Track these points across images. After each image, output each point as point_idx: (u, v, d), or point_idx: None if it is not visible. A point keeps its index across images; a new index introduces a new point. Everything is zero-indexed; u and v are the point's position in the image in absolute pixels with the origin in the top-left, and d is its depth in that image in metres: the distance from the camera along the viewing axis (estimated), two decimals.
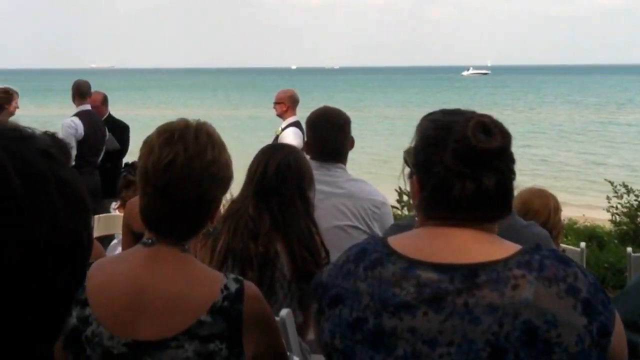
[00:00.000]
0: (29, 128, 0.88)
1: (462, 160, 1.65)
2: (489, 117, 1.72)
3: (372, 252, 1.72)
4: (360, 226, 3.64)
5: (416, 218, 1.82)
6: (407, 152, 1.89)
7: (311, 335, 3.07)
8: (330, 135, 3.77)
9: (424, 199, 1.73)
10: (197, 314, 1.95)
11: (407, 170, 1.85)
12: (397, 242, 1.72)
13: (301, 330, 2.95)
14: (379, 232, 3.61)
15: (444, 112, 1.78)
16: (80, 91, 8.29)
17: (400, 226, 2.73)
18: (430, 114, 1.80)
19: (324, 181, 3.62)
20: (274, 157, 3.12)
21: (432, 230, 1.72)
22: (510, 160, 1.70)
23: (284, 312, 2.70)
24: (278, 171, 3.07)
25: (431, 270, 1.63)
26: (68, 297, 0.87)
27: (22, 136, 0.85)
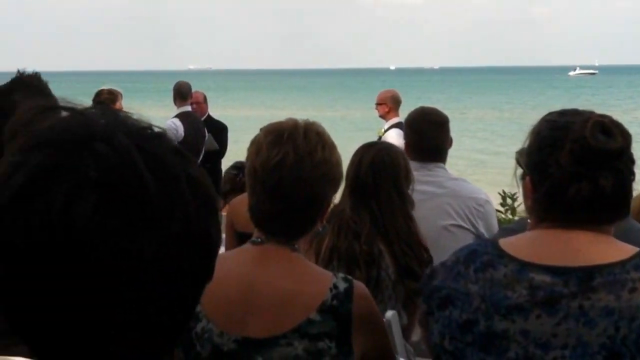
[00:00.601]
0: (158, 126, 0.91)
1: (579, 160, 1.65)
2: (609, 118, 1.72)
3: (483, 254, 1.74)
4: (465, 225, 3.65)
5: (528, 220, 1.82)
6: (520, 153, 1.89)
7: (415, 337, 3.10)
8: (429, 134, 3.80)
9: (538, 200, 1.74)
10: (307, 312, 2.00)
11: (520, 171, 1.86)
12: (508, 244, 1.74)
13: (405, 332, 2.97)
14: (483, 231, 3.62)
15: (561, 113, 1.78)
16: (181, 92, 8.57)
17: (509, 230, 2.73)
18: (546, 115, 1.80)
19: (426, 181, 3.64)
20: (367, 154, 3.16)
21: (546, 233, 1.72)
22: (630, 160, 1.69)
23: (390, 313, 2.74)
24: (372, 168, 3.10)
25: (545, 273, 1.64)
26: (197, 293, 0.90)
27: (154, 134, 0.89)
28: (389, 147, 3.33)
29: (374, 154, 3.15)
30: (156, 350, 0.90)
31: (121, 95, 8.00)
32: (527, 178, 1.78)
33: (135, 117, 0.91)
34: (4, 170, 0.84)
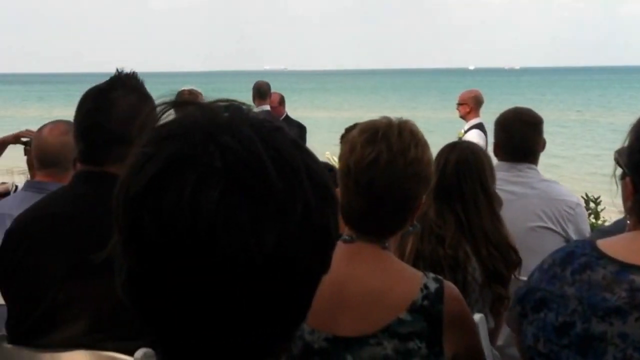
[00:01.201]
0: (277, 120, 0.96)
1: None
2: None
3: (580, 256, 1.72)
4: (554, 228, 3.61)
5: (627, 221, 1.80)
6: (619, 153, 1.87)
7: (500, 341, 3.09)
8: (522, 134, 3.76)
9: (639, 201, 1.71)
10: (397, 311, 2.02)
11: (619, 171, 1.84)
12: (607, 245, 1.72)
13: (491, 337, 2.96)
14: (572, 235, 3.57)
15: None
16: (261, 92, 8.71)
17: (605, 231, 2.69)
18: None
19: (515, 182, 3.61)
20: (451, 155, 3.13)
21: None
22: None
23: (477, 317, 2.73)
24: (458, 170, 3.08)
25: None
26: (314, 285, 0.93)
27: (275, 127, 0.92)
28: (472, 146, 3.30)
29: (458, 155, 3.12)
30: (273, 342, 0.93)
31: (201, 95, 8.16)
32: (627, 178, 1.75)
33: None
34: (136, 162, 0.89)
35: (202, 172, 0.85)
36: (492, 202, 3.07)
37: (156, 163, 0.87)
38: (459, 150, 3.16)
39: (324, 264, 0.93)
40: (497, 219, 3.06)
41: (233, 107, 0.93)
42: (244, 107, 0.95)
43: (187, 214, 0.83)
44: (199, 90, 8.41)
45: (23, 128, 4.62)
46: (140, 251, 0.87)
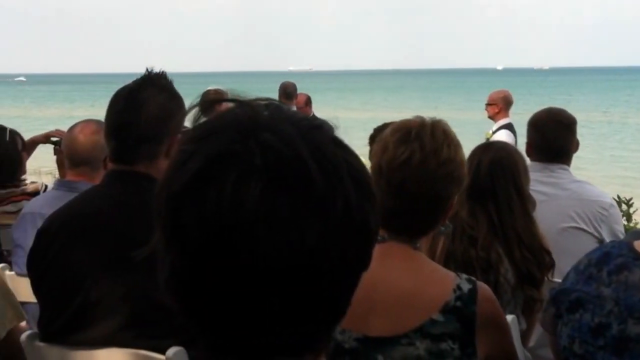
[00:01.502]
0: (315, 118, 0.97)
1: None
2: None
3: (617, 257, 1.72)
4: (587, 228, 3.59)
5: None
6: None
7: (531, 343, 3.08)
8: (555, 134, 3.75)
9: None
10: (429, 312, 2.02)
11: None
12: None
13: (523, 338, 2.95)
14: (606, 236, 3.55)
15: None
16: (287, 92, 8.76)
17: None
18: None
19: (547, 182, 3.60)
20: (485, 156, 3.11)
21: None
22: None
23: (510, 318, 2.73)
24: (491, 170, 3.06)
25: None
26: (355, 282, 0.94)
27: (315, 125, 0.94)
28: (506, 146, 3.30)
29: (492, 155, 3.11)
30: (314, 338, 0.94)
31: (228, 95, 8.21)
32: None
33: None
34: (177, 160, 0.91)
35: (243, 169, 0.86)
36: (525, 203, 3.06)
37: (197, 161, 0.88)
38: (494, 151, 3.15)
39: (365, 261, 0.94)
40: (530, 221, 3.05)
41: (272, 106, 0.94)
42: (283, 106, 0.96)
43: (228, 211, 0.85)
44: (225, 90, 8.48)
45: (53, 128, 4.69)
46: (182, 248, 0.89)
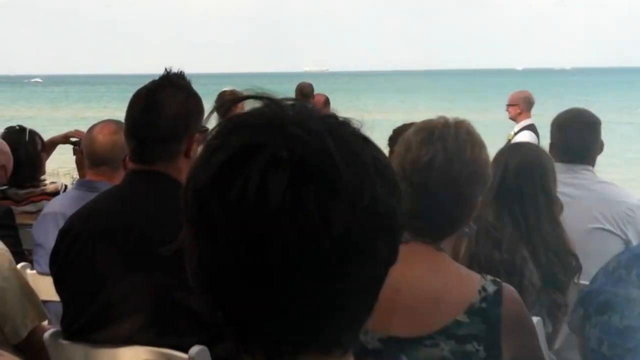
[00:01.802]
0: (341, 116, 0.98)
1: None
2: None
3: None
4: (613, 230, 3.59)
5: None
6: None
7: (556, 345, 3.08)
8: (579, 135, 3.75)
9: None
10: (454, 313, 2.03)
11: None
12: None
13: (548, 340, 2.95)
14: (632, 238, 3.54)
15: None
16: (304, 93, 8.78)
17: None
18: None
19: (571, 183, 3.59)
20: (513, 157, 3.10)
21: None
22: None
23: (535, 320, 2.73)
24: (519, 171, 3.05)
25: None
26: (383, 275, 0.96)
27: (341, 122, 0.96)
28: (535, 148, 3.30)
29: (520, 157, 3.10)
30: (342, 332, 0.96)
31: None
32: None
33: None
34: (205, 152, 0.94)
35: (269, 161, 0.88)
36: (553, 206, 3.05)
37: (223, 154, 0.91)
38: (522, 152, 3.14)
39: (392, 254, 0.96)
40: (557, 224, 3.03)
41: (299, 103, 0.97)
42: (309, 104, 0.99)
43: (255, 202, 0.87)
44: (241, 90, 8.50)
45: (71, 129, 4.74)
46: (209, 240, 0.91)
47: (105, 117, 3.72)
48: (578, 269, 2.99)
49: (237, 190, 0.88)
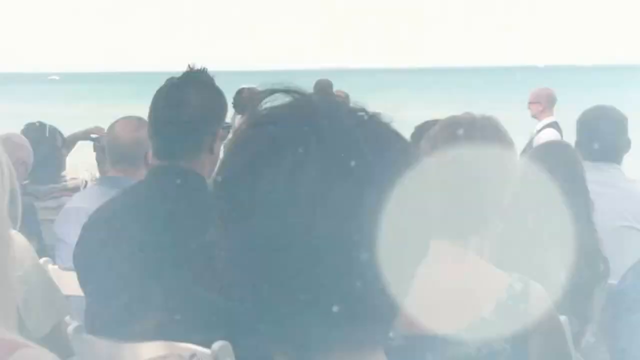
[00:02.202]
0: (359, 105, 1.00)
1: None
2: None
3: None
4: None
5: None
6: None
7: (583, 344, 3.07)
8: (605, 132, 3.74)
9: None
10: (480, 310, 2.03)
11: None
12: None
13: (576, 339, 2.94)
14: None
15: None
16: (323, 89, 8.78)
17: None
18: None
19: (597, 181, 3.58)
20: (545, 156, 3.10)
21: None
22: None
23: (562, 318, 2.72)
24: (550, 170, 3.06)
25: None
26: (413, 267, 0.97)
27: (371, 115, 0.97)
28: (567, 147, 3.30)
29: (552, 156, 3.10)
30: (372, 332, 0.96)
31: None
32: None
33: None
34: (233, 146, 0.95)
35: (299, 153, 0.90)
36: (583, 207, 3.05)
37: (253, 146, 0.92)
38: (554, 151, 3.14)
39: (422, 250, 0.97)
40: (588, 225, 3.02)
41: (329, 98, 0.99)
42: (337, 98, 1.01)
43: (284, 194, 0.88)
44: (259, 88, 8.53)
45: (92, 125, 4.78)
46: (239, 232, 0.92)
47: (123, 115, 3.75)
48: (605, 273, 2.98)
49: (267, 182, 0.89)
